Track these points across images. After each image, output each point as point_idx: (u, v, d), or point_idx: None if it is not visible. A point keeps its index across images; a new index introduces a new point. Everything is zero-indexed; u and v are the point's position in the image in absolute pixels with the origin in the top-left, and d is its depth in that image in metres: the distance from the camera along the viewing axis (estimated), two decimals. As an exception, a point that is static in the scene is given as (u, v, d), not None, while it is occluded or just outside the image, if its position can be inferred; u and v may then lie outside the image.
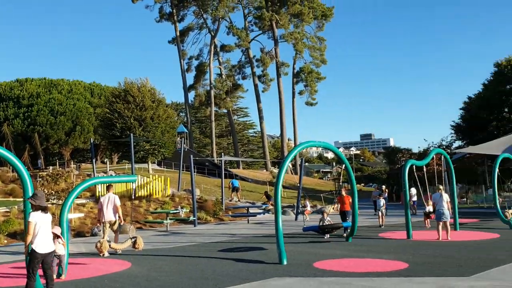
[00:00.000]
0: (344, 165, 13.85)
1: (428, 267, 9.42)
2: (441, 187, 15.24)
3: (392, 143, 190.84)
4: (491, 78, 44.33)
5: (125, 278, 9.33)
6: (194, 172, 24.65)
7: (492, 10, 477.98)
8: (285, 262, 10.44)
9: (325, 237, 14.58)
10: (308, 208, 23.93)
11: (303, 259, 11.10)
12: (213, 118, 64.74)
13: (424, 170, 17.55)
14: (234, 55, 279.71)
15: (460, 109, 46.36)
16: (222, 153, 42.92)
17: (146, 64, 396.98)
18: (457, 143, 46.37)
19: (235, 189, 30.04)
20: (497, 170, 17.93)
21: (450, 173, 17.74)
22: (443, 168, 26.89)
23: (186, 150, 39.57)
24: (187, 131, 57.45)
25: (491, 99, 41.47)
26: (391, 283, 8.04)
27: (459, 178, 27.94)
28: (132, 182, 12.04)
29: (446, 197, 14.61)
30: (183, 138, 42.41)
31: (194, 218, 21.46)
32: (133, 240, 11.63)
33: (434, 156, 20.92)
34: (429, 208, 16.56)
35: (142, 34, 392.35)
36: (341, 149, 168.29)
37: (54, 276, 8.25)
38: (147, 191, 26.24)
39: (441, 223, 14.26)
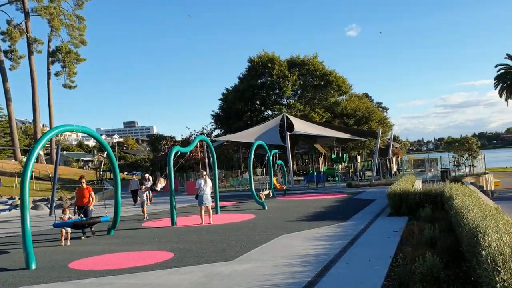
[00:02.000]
0: (106, 153, 12.70)
1: (194, 254, 9.23)
2: (204, 172, 15.52)
3: (155, 131, 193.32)
4: (246, 72, 48.60)
5: None
6: None
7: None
8: (33, 267, 8.83)
9: (82, 237, 12.64)
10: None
11: (57, 260, 9.62)
12: None
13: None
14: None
15: (219, 99, 49.52)
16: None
17: None
18: (217, 131, 49.47)
19: None
20: (252, 155, 19.39)
21: (212, 158, 18.36)
22: (205, 154, 28.09)
23: None
24: None
25: (245, 91, 45.45)
26: (156, 277, 7.48)
27: (219, 164, 29.66)
28: None
29: (209, 182, 14.96)
30: None
31: None
32: None
33: (198, 143, 21.46)
34: (160, 186, 17.91)
35: None
36: (103, 137, 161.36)
37: None
38: None
39: (203, 207, 14.54)
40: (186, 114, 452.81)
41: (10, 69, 56.32)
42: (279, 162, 25.77)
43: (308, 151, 47.28)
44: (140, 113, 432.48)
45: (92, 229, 13.14)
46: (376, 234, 10.42)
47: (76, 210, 12.99)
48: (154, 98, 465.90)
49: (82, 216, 12.57)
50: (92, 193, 13.08)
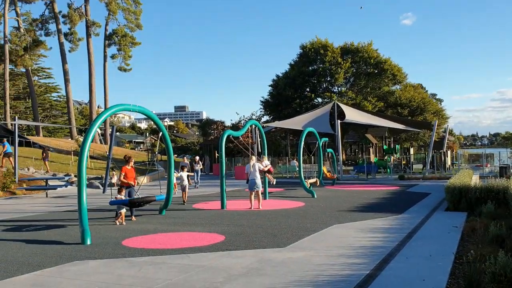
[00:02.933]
0: (160, 134, 12.79)
1: (245, 238, 9.13)
2: (253, 157, 15.37)
3: (205, 116, 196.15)
4: (297, 59, 47.99)
5: None
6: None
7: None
8: (88, 242, 9.01)
9: (133, 218, 12.39)
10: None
11: (111, 237, 9.80)
12: (7, 77, 56.09)
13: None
14: (35, 7, 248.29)
15: (269, 86, 49.27)
16: (16, 117, 37.39)
17: None
18: (265, 118, 49.33)
19: (7, 155, 24.26)
20: (302, 143, 19.07)
21: (262, 144, 18.19)
22: (257, 139, 28.04)
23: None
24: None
25: (296, 78, 44.92)
26: (208, 259, 7.41)
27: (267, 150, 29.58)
28: None
29: (258, 165, 14.82)
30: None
31: (-24, 192, 17.93)
32: None
33: (249, 128, 21.39)
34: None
35: None
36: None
37: None
38: None
39: (253, 192, 14.45)
40: (235, 100, 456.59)
41: (69, 51, 58.44)
42: (329, 150, 25.27)
43: (358, 140, 46.31)
44: (191, 98, 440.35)
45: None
46: (435, 229, 9.91)
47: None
48: (205, 83, 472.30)
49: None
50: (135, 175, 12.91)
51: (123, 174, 12.30)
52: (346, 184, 24.01)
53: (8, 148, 23.87)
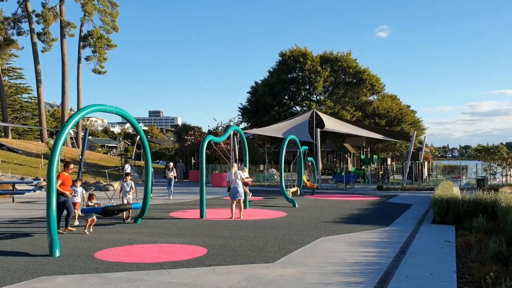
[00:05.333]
0: (139, 137, 12.05)
1: (229, 252, 8.48)
2: (235, 164, 14.81)
3: (179, 121, 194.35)
4: (276, 66, 47.66)
5: None
6: None
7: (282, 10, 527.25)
8: (57, 254, 8.21)
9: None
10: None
11: (82, 248, 9.00)
12: (-25, 76, 54.04)
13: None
14: (7, 6, 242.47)
15: (247, 92, 48.73)
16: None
17: None
18: (243, 125, 48.72)
19: None
20: (284, 151, 18.55)
21: (244, 151, 17.60)
22: (235, 146, 27.38)
23: None
24: None
25: (275, 85, 44.53)
26: (191, 276, 6.74)
27: (243, 158, 28.96)
28: None
29: (240, 174, 14.21)
30: None
31: None
32: None
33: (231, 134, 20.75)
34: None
35: None
36: (128, 124, 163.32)
37: None
38: None
39: (235, 201, 13.82)
40: (212, 107, 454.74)
41: (42, 51, 56.74)
42: (309, 159, 24.83)
43: (336, 150, 46.15)
44: (166, 103, 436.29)
45: (129, 215, 12.86)
46: (427, 244, 9.47)
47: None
48: (180, 89, 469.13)
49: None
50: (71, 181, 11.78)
51: (60, 181, 10.90)
52: (325, 194, 23.57)
53: None
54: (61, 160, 16.07)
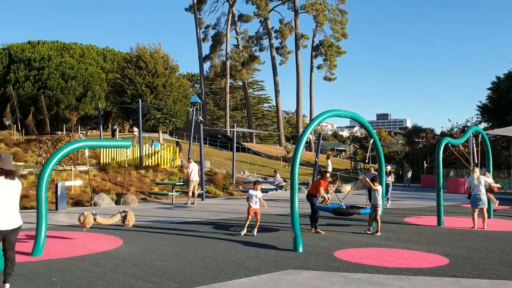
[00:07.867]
0: (372, 140, 12.15)
1: (475, 264, 7.79)
2: (477, 169, 13.45)
3: (408, 124, 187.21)
4: (524, 57, 41.61)
5: (110, 261, 7.88)
6: (205, 143, 23.14)
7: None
8: (300, 250, 8.90)
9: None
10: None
11: (322, 246, 9.54)
12: (228, 90, 62.89)
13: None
14: (252, 25, 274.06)
15: (488, 89, 43.86)
16: (235, 125, 41.30)
17: (162, 32, 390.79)
18: (483, 125, 44.06)
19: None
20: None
21: (487, 154, 15.88)
22: (469, 149, 25.00)
23: (198, 121, 37.93)
24: (200, 101, 55.72)
25: (522, 79, 38.95)
26: (434, 285, 6.44)
27: (483, 160, 25.97)
28: (126, 148, 10.39)
29: (484, 180, 12.86)
30: (194, 108, 40.67)
31: (202, 192, 20.06)
32: (123, 214, 10.13)
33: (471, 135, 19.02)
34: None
35: (158, 1, 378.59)
36: (356, 128, 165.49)
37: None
38: (154, 160, 24.90)
39: (477, 210, 12.59)
40: (444, 107, 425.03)
41: (279, 64, 62.46)
42: None
43: None
44: (393, 105, 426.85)
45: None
46: None
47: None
48: (409, 90, 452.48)
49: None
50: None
51: (321, 188, 11.91)
52: None
53: (157, 147, 26.02)
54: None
